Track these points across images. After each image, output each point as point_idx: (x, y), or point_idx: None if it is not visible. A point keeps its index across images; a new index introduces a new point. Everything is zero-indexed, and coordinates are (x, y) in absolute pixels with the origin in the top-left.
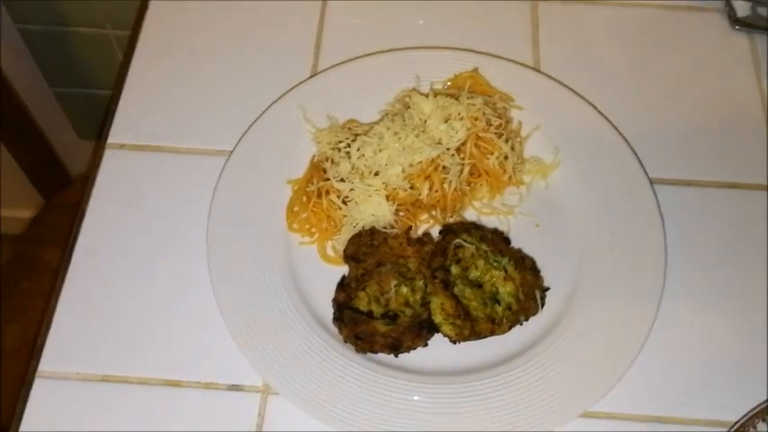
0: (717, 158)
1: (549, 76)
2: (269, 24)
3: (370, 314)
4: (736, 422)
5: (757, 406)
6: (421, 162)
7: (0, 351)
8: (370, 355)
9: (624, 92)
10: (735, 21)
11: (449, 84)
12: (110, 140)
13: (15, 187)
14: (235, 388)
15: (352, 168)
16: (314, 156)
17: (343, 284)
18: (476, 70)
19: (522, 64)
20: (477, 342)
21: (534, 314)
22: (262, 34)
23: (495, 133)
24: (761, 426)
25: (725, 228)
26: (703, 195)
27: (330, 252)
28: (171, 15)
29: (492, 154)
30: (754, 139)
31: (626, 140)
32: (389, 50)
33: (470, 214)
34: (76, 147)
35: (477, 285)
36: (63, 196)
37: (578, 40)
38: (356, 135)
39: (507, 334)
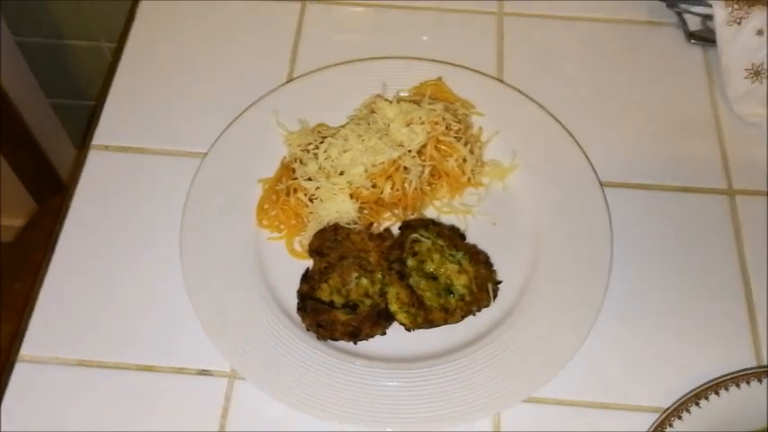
0: (669, 164)
1: (510, 86)
2: (248, 35)
3: (331, 304)
4: (668, 408)
5: (687, 393)
6: (383, 163)
7: None
8: (331, 342)
9: (583, 101)
10: (689, 35)
11: (414, 91)
12: (94, 142)
13: (11, 195)
14: (204, 373)
15: (319, 168)
16: (284, 157)
17: (307, 277)
18: (440, 79)
19: (485, 74)
20: (433, 331)
21: (486, 305)
22: (241, 44)
23: (455, 137)
24: (694, 409)
25: (673, 228)
26: (654, 198)
27: (297, 247)
28: (155, 26)
29: (451, 156)
30: (705, 145)
31: (580, 146)
32: (360, 60)
33: (431, 213)
34: (71, 156)
35: (433, 277)
36: (55, 201)
37: (541, 53)
38: (324, 138)
39: (461, 323)
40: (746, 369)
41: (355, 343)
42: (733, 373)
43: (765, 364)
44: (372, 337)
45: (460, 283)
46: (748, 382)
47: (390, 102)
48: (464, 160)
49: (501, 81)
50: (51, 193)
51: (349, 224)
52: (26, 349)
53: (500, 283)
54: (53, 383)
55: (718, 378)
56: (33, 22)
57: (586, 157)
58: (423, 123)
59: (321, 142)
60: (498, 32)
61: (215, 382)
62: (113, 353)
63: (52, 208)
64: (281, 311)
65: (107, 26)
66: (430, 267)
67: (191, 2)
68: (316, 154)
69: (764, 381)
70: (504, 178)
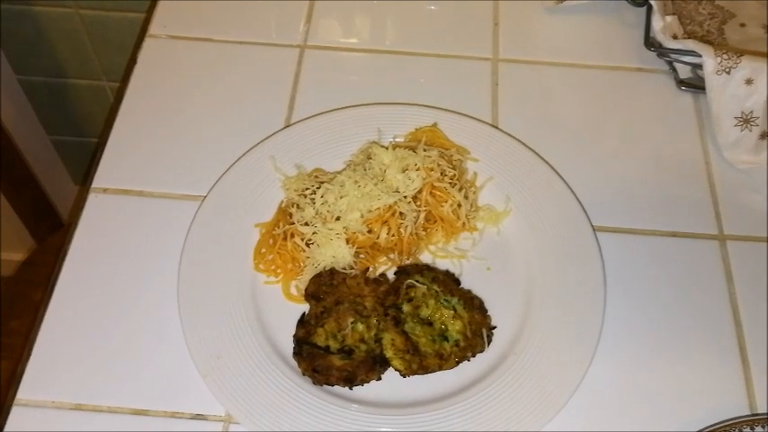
0: (661, 209)
1: (504, 132)
2: (248, 80)
3: (327, 349)
4: None
5: None
6: (379, 208)
7: None
8: (326, 387)
9: (576, 147)
10: (680, 82)
11: (409, 137)
12: (94, 185)
13: (10, 231)
14: (199, 417)
15: (316, 213)
16: (282, 201)
17: (303, 321)
18: (435, 125)
19: (480, 120)
20: (428, 376)
21: (481, 351)
22: (241, 89)
23: (449, 183)
24: None
25: (665, 272)
26: (646, 242)
27: (293, 291)
28: (156, 72)
29: (446, 202)
30: (696, 190)
31: (573, 191)
32: (356, 105)
33: (426, 257)
34: (71, 192)
35: (428, 323)
36: (54, 240)
37: (534, 99)
38: (321, 183)
39: (455, 369)
40: (739, 417)
41: (351, 388)
42: (726, 420)
43: (759, 411)
44: (368, 382)
45: (455, 328)
46: (741, 431)
47: (386, 148)
48: (459, 205)
49: (495, 127)
50: (50, 230)
51: (345, 269)
52: (23, 393)
53: (494, 328)
54: (49, 427)
55: (711, 426)
56: (35, 60)
57: (579, 202)
58: (418, 169)
59: (318, 187)
60: (493, 78)
61: (209, 426)
62: (108, 397)
63: (51, 246)
64: (276, 356)
65: (108, 65)
66: (425, 313)
67: (191, 47)
68: (313, 199)
69: (758, 429)
70: (499, 223)
